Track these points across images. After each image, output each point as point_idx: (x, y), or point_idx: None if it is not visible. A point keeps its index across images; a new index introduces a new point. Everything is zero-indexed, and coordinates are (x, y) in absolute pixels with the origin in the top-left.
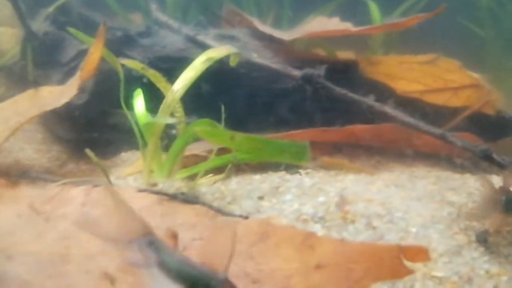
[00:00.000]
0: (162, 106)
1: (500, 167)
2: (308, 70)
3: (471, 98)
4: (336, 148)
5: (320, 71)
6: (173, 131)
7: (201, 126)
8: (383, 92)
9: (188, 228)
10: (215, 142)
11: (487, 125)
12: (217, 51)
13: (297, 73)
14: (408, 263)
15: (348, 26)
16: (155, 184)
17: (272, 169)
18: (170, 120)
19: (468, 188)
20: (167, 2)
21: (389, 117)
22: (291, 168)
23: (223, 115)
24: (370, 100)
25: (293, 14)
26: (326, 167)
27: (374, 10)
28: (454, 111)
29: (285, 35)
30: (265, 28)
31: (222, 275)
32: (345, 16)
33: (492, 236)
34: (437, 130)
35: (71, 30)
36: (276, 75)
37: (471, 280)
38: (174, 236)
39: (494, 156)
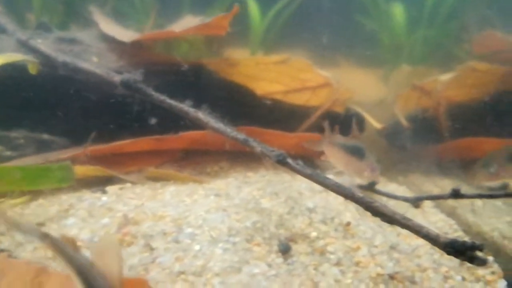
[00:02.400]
0: None
1: (295, 171)
2: (125, 76)
3: (328, 97)
4: (183, 155)
5: (137, 76)
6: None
7: None
8: (243, 94)
9: None
10: None
11: (339, 123)
12: None
13: (117, 78)
14: None
15: None
16: None
17: (89, 185)
18: None
19: (291, 192)
20: (34, 4)
21: (203, 123)
22: (107, 183)
23: None
24: (185, 106)
25: (193, 12)
26: (155, 179)
27: (253, 9)
28: (315, 111)
29: (128, 37)
30: (111, 30)
31: None
32: None
33: (298, 243)
34: (241, 136)
35: None
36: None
37: None
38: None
39: (288, 160)
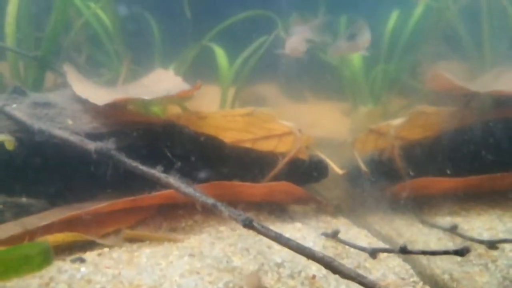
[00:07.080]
0: None
1: (261, 234)
2: (98, 144)
3: (293, 144)
4: (156, 212)
5: (110, 144)
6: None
7: None
8: (213, 144)
9: None
10: None
11: (303, 170)
12: None
13: (91, 146)
14: None
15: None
16: None
17: (68, 251)
18: None
19: (261, 246)
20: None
21: (174, 188)
22: (85, 248)
23: None
24: (156, 172)
25: (164, 60)
26: (131, 240)
27: (221, 57)
28: (282, 158)
29: (101, 99)
30: (84, 92)
31: None
32: None
33: None
34: (210, 201)
35: None
36: None
37: None
38: None
39: (254, 224)
